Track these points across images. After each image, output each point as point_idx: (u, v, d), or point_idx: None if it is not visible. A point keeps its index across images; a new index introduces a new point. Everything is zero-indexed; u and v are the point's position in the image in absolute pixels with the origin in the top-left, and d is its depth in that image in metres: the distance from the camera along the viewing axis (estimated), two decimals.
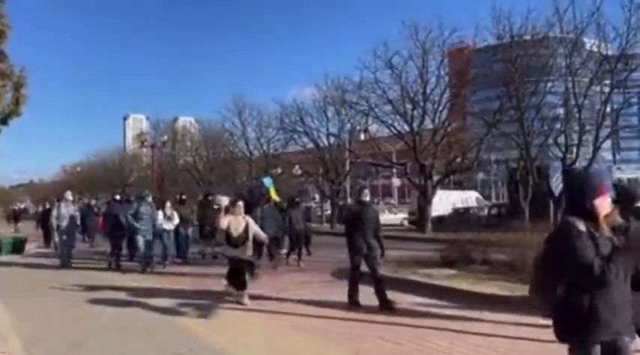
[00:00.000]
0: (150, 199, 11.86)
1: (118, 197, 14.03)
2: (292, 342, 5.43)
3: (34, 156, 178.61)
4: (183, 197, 14.00)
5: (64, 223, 12.41)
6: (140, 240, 11.13)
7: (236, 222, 7.55)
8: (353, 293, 7.17)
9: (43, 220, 18.57)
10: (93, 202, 17.80)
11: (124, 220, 11.62)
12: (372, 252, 7.18)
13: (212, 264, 11.32)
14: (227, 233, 7.49)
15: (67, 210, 12.58)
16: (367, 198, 7.86)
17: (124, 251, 12.49)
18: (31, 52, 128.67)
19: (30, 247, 17.00)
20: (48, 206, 20.37)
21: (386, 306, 6.85)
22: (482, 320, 6.17)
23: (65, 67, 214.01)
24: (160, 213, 11.90)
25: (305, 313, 6.69)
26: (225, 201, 8.05)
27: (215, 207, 12.68)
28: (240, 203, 7.93)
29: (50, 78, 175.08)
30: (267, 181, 12.70)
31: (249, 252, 7.60)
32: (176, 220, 12.17)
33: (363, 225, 7.21)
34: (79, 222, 13.09)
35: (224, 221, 7.53)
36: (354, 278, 7.21)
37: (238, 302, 7.27)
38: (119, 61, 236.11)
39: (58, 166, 71.03)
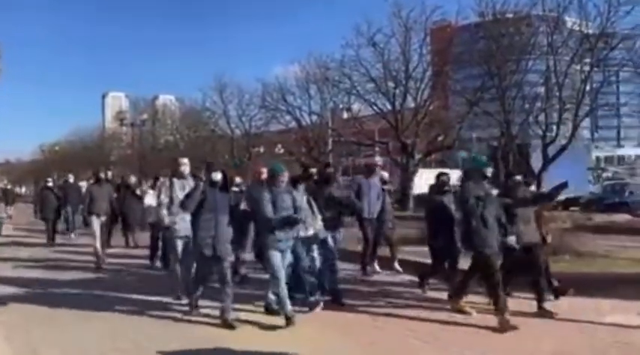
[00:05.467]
0: (285, 180, 6.01)
1: (219, 177, 5.96)
2: None
3: (9, 135, 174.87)
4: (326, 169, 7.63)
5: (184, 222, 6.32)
6: (277, 259, 5.77)
7: None
8: None
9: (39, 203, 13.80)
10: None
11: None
12: None
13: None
14: None
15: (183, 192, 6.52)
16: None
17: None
18: (6, 27, 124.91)
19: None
20: (50, 183, 14.97)
21: None
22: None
23: (40, 44, 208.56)
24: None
25: None
26: None
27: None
28: None
29: (24, 55, 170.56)
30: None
31: None
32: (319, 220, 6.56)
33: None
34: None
35: None
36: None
37: None
38: (97, 36, 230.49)
39: (35, 146, 69.61)
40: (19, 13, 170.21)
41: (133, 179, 13.97)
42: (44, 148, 62.07)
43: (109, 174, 13.98)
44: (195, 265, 6.22)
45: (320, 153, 28.80)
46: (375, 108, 24.74)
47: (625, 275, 6.90)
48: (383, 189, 8.59)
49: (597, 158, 55.55)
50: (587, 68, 19.65)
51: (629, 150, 74.14)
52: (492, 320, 5.41)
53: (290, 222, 5.78)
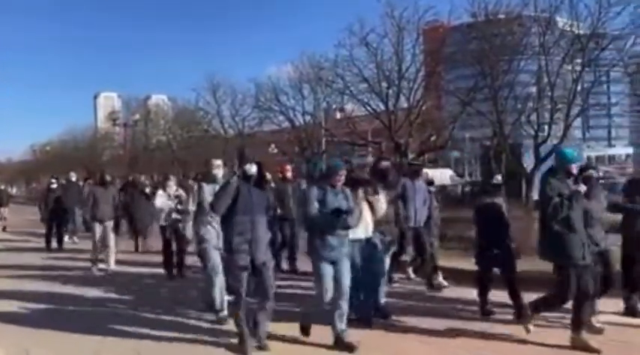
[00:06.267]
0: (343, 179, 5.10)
1: (254, 170, 4.97)
2: None
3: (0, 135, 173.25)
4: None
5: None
6: (327, 272, 4.90)
7: None
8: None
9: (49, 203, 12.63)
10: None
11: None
12: None
13: None
14: None
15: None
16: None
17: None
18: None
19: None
20: (54, 184, 13.54)
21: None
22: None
23: (32, 44, 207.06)
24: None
25: None
26: None
27: None
28: None
29: (15, 56, 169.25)
30: None
31: None
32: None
33: None
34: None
35: None
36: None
37: None
38: (89, 37, 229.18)
39: (26, 146, 69.03)
40: (11, 14, 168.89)
41: (142, 177, 13.24)
42: (35, 148, 61.66)
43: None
44: (225, 277, 5.50)
45: (313, 153, 28.81)
46: (368, 108, 24.77)
47: (619, 274, 6.96)
48: (429, 192, 7.51)
49: (588, 157, 55.94)
50: (578, 68, 19.75)
51: (619, 150, 74.77)
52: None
53: (341, 221, 4.77)
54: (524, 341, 4.98)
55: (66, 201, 12.98)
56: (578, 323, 4.78)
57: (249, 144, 33.42)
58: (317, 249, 4.80)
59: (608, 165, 59.13)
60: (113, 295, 7.46)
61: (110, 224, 9.38)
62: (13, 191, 45.01)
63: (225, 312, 5.66)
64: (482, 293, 5.99)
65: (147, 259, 10.32)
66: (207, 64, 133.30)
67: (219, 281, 5.75)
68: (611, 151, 74.49)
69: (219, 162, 6.12)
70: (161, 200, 8.69)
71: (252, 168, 4.87)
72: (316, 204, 4.82)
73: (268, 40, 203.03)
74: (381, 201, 5.61)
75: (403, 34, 22.40)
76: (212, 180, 5.91)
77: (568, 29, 20.15)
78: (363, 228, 5.36)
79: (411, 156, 23.10)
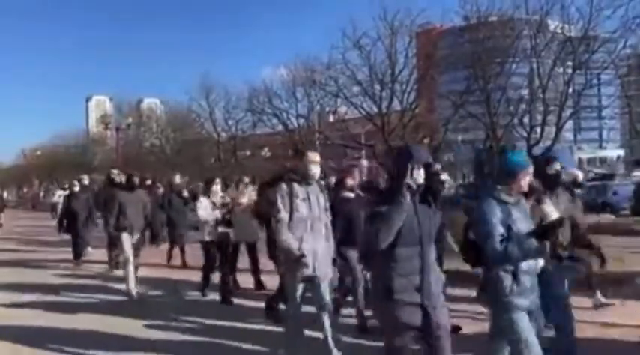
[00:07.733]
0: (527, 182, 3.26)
1: (422, 177, 3.05)
2: None
3: None
4: None
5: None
6: (525, 324, 3.13)
7: None
8: None
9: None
10: None
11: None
12: None
13: None
14: None
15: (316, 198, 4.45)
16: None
17: None
18: None
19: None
20: (77, 188, 11.24)
21: None
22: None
23: (24, 46, 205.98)
24: None
25: None
26: None
27: None
28: None
29: (7, 57, 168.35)
30: None
31: None
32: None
33: None
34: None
35: None
36: None
37: None
38: (81, 38, 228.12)
39: (17, 150, 68.56)
40: (5, 16, 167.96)
41: (177, 179, 11.29)
42: (26, 153, 61.17)
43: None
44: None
45: None
46: (361, 110, 24.85)
47: (605, 275, 6.99)
48: (572, 194, 5.35)
49: (580, 159, 56.31)
50: (569, 71, 19.93)
51: (610, 152, 75.22)
52: None
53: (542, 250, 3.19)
54: None
55: (77, 206, 11.10)
56: None
57: (242, 147, 33.44)
58: (511, 297, 3.19)
59: (599, 166, 59.50)
60: (157, 332, 5.43)
61: (138, 236, 7.74)
62: (5, 196, 44.48)
63: None
64: None
65: (185, 276, 8.48)
66: (203, 66, 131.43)
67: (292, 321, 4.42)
68: (602, 153, 74.96)
69: (317, 156, 4.59)
70: (205, 211, 7.13)
71: (420, 177, 3.14)
72: (501, 229, 3.12)
73: (267, 41, 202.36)
74: (554, 211, 3.96)
75: (396, 37, 22.52)
76: (305, 179, 4.50)
77: (559, 32, 20.35)
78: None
79: None
